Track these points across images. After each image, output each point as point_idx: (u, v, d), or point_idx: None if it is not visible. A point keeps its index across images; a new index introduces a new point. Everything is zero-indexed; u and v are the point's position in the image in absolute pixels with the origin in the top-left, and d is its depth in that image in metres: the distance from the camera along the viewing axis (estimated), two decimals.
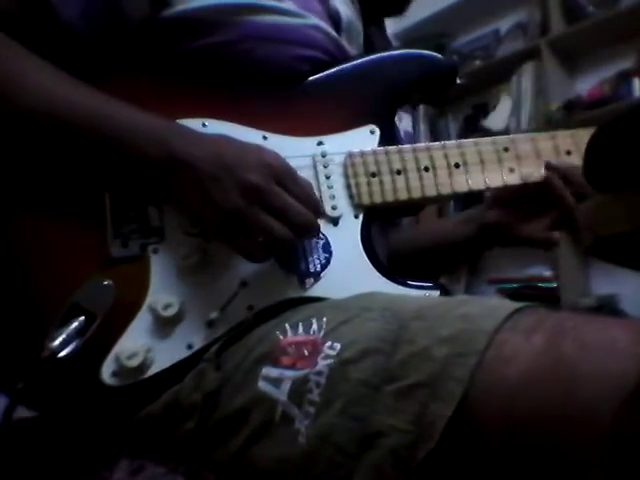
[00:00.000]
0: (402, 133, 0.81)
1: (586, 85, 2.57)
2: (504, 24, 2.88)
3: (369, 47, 0.83)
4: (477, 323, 0.44)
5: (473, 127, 2.82)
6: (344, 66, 0.68)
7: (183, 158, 0.54)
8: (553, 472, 0.38)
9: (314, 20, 0.68)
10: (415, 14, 2.93)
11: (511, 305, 0.45)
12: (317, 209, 0.58)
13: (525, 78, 2.66)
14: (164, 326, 0.55)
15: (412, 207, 0.70)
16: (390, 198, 0.63)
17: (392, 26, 3.40)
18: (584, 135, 0.69)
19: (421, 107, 2.94)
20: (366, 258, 0.61)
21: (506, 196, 0.74)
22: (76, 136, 0.55)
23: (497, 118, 2.75)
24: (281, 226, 0.54)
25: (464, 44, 2.97)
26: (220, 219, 0.54)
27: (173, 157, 0.54)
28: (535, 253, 2.54)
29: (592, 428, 0.36)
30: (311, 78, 0.66)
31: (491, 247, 0.79)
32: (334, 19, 0.74)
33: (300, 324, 0.52)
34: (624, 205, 0.54)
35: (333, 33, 0.71)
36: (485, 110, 2.84)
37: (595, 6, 2.47)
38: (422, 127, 2.93)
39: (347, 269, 0.60)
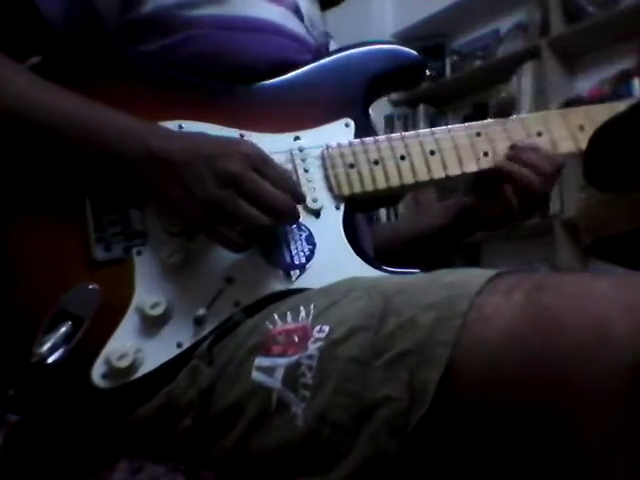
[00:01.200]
0: None
1: (586, 85, 2.56)
2: (504, 24, 2.87)
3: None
4: (459, 289, 0.45)
5: None
6: (317, 63, 0.69)
7: (160, 154, 0.55)
8: (540, 432, 0.38)
9: (278, 9, 0.69)
10: (415, 14, 2.94)
11: (491, 271, 0.46)
12: (295, 194, 0.58)
13: (525, 78, 2.65)
14: (152, 326, 0.55)
15: (392, 197, 0.71)
16: (369, 187, 0.64)
17: (392, 26, 3.39)
18: (553, 116, 0.71)
19: (421, 106, 2.95)
20: (350, 248, 0.62)
21: (480, 181, 0.75)
22: (52, 140, 0.56)
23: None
24: (260, 213, 0.54)
25: (464, 44, 2.97)
26: (199, 209, 0.54)
27: (151, 154, 0.55)
28: (535, 253, 2.54)
29: (578, 379, 0.37)
30: (285, 75, 0.67)
31: (473, 232, 0.82)
32: (295, 10, 0.75)
33: (288, 313, 0.52)
34: (624, 205, 0.54)
35: (299, 22, 0.73)
36: (485, 110, 2.84)
37: (595, 6, 2.47)
38: (422, 127, 2.94)
39: (331, 259, 0.60)
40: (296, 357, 0.48)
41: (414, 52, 0.72)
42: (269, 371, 0.49)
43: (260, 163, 0.56)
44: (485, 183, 0.73)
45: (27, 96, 0.56)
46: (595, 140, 0.56)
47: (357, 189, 0.64)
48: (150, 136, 0.56)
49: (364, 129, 0.67)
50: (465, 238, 0.84)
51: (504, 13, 2.86)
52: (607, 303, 0.38)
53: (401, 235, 0.87)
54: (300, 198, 0.59)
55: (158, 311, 0.55)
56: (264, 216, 0.55)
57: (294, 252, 0.59)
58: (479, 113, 2.85)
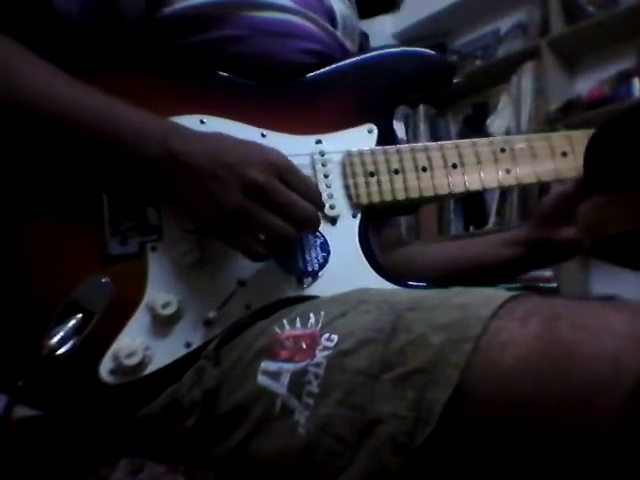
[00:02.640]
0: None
1: (586, 85, 2.57)
2: (504, 24, 2.88)
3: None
4: (473, 311, 0.44)
5: (474, 127, 2.83)
6: (342, 63, 0.68)
7: (181, 156, 0.54)
8: (551, 457, 0.38)
9: (311, 15, 0.68)
10: (415, 14, 2.94)
11: (506, 293, 0.46)
12: (319, 203, 0.58)
13: (525, 78, 2.66)
14: (162, 325, 0.55)
15: (409, 206, 0.70)
16: (388, 198, 0.64)
17: (392, 26, 3.40)
18: (579, 137, 0.69)
19: (421, 107, 2.95)
20: (363, 257, 0.61)
21: (553, 212, 0.73)
22: (72, 135, 0.55)
23: (497, 118, 2.75)
24: (282, 222, 0.54)
25: (464, 44, 2.97)
26: (221, 217, 0.54)
27: (170, 155, 0.54)
28: None
29: (590, 412, 0.37)
30: (309, 75, 0.66)
31: (543, 266, 0.77)
32: (329, 16, 0.74)
33: (297, 319, 0.52)
34: (624, 205, 0.54)
35: (330, 27, 0.72)
36: (485, 110, 2.84)
37: (595, 6, 2.47)
38: (422, 127, 2.93)
39: (345, 268, 0.60)
40: (303, 364, 0.48)
41: (443, 57, 0.71)
42: (275, 376, 0.49)
43: (285, 171, 0.55)
44: (564, 205, 0.71)
45: (42, 88, 0.55)
46: (595, 140, 0.56)
47: (375, 199, 0.63)
48: (170, 136, 0.55)
49: (387, 136, 0.66)
50: (533, 270, 0.78)
51: (504, 13, 2.87)
52: (621, 338, 0.38)
53: (451, 263, 0.82)
54: (321, 207, 0.59)
55: (169, 311, 0.55)
56: (287, 226, 0.54)
57: (308, 259, 0.59)
58: (479, 113, 2.85)
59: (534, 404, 0.39)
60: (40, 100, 0.55)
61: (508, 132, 2.69)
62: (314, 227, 0.58)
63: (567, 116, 2.42)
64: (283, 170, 0.55)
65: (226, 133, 0.58)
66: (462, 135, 2.86)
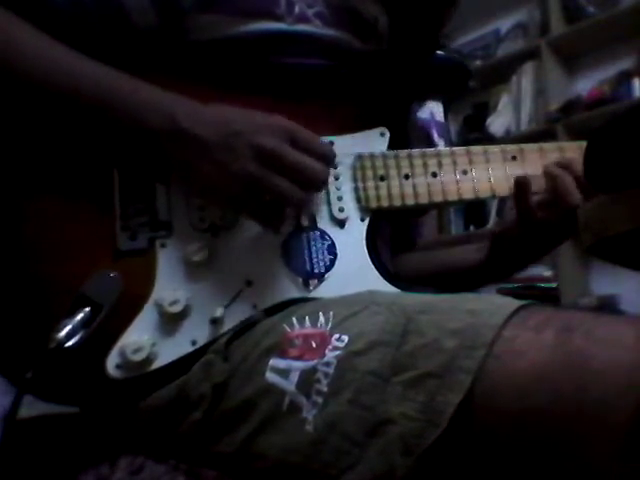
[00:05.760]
0: (434, 124, 0.84)
1: (586, 85, 2.57)
2: (504, 24, 2.88)
3: None
4: (484, 318, 0.45)
5: (474, 127, 2.83)
6: (357, 65, 0.68)
7: (188, 127, 0.54)
8: (562, 466, 0.39)
9: (334, 34, 0.69)
10: None
11: (515, 302, 0.46)
12: (330, 158, 0.59)
13: (525, 78, 2.66)
14: (169, 322, 0.56)
15: (418, 210, 0.70)
16: (397, 203, 0.64)
17: None
18: None
19: None
20: (370, 261, 0.61)
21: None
22: (78, 107, 0.55)
23: (497, 118, 2.75)
24: (295, 187, 0.55)
25: (464, 44, 2.97)
26: (235, 187, 0.54)
27: (178, 126, 0.54)
28: None
29: (603, 422, 0.37)
30: (324, 77, 0.67)
31: (513, 265, 0.73)
32: (370, 23, 0.74)
33: (307, 317, 0.52)
34: (624, 205, 0.54)
35: (355, 45, 0.72)
36: (485, 110, 2.85)
37: (595, 6, 2.47)
38: None
39: (351, 271, 0.60)
40: (313, 363, 0.48)
41: (460, 59, 0.71)
42: (284, 373, 0.49)
43: (293, 134, 0.56)
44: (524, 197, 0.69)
45: (60, 65, 0.55)
46: (595, 140, 0.56)
47: (384, 203, 0.63)
48: (177, 107, 0.55)
49: (399, 139, 0.66)
50: (504, 275, 0.75)
51: (504, 13, 2.87)
52: (634, 350, 0.38)
53: (430, 266, 0.81)
54: (332, 162, 0.60)
55: (176, 309, 0.55)
56: (299, 190, 0.55)
57: (314, 260, 0.59)
58: (479, 113, 2.85)
59: (548, 412, 0.39)
60: (45, 71, 0.55)
61: (508, 132, 2.69)
62: (324, 185, 0.59)
63: (567, 116, 2.42)
64: (291, 133, 0.56)
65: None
66: (462, 135, 2.87)
